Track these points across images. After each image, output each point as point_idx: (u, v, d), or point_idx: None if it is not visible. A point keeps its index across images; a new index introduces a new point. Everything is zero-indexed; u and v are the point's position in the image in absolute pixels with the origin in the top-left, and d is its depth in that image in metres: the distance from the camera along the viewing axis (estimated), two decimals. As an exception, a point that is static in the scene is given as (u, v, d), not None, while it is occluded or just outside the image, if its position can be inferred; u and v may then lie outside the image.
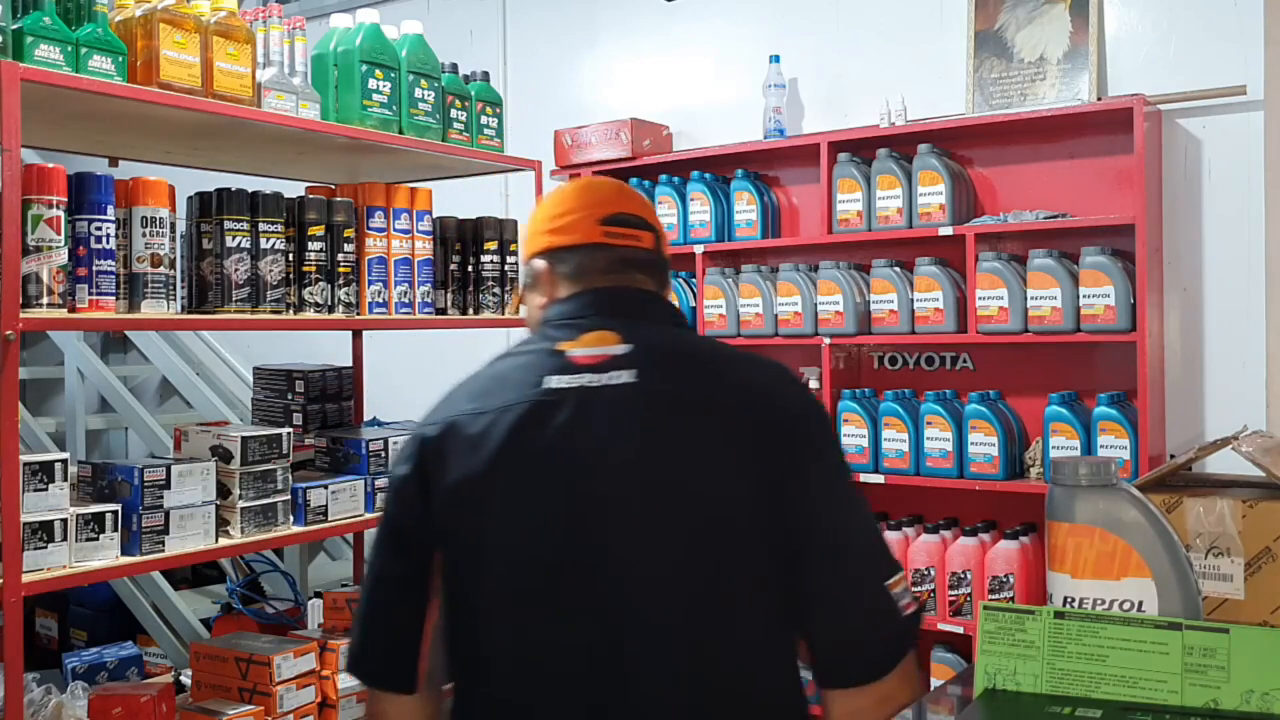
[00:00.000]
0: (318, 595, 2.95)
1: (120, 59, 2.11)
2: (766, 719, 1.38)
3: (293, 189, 2.72)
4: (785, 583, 1.34)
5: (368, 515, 2.65)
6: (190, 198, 2.41)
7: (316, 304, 2.55)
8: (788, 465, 1.35)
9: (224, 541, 2.33)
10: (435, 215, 2.91)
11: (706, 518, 1.34)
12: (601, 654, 1.32)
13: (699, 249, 3.86)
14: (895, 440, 3.43)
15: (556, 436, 1.36)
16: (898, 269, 3.47)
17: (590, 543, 1.34)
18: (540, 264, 1.52)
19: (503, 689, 1.38)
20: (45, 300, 2.01)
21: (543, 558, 1.35)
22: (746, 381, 1.42)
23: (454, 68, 2.89)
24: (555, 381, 1.39)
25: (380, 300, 2.71)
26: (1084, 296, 3.14)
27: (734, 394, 1.40)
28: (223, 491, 2.34)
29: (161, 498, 2.20)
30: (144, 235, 2.21)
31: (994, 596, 3.20)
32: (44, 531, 2.01)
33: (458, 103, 2.86)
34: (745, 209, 3.81)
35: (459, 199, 3.41)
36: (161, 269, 2.22)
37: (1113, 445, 3.10)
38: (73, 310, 2.09)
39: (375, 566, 1.46)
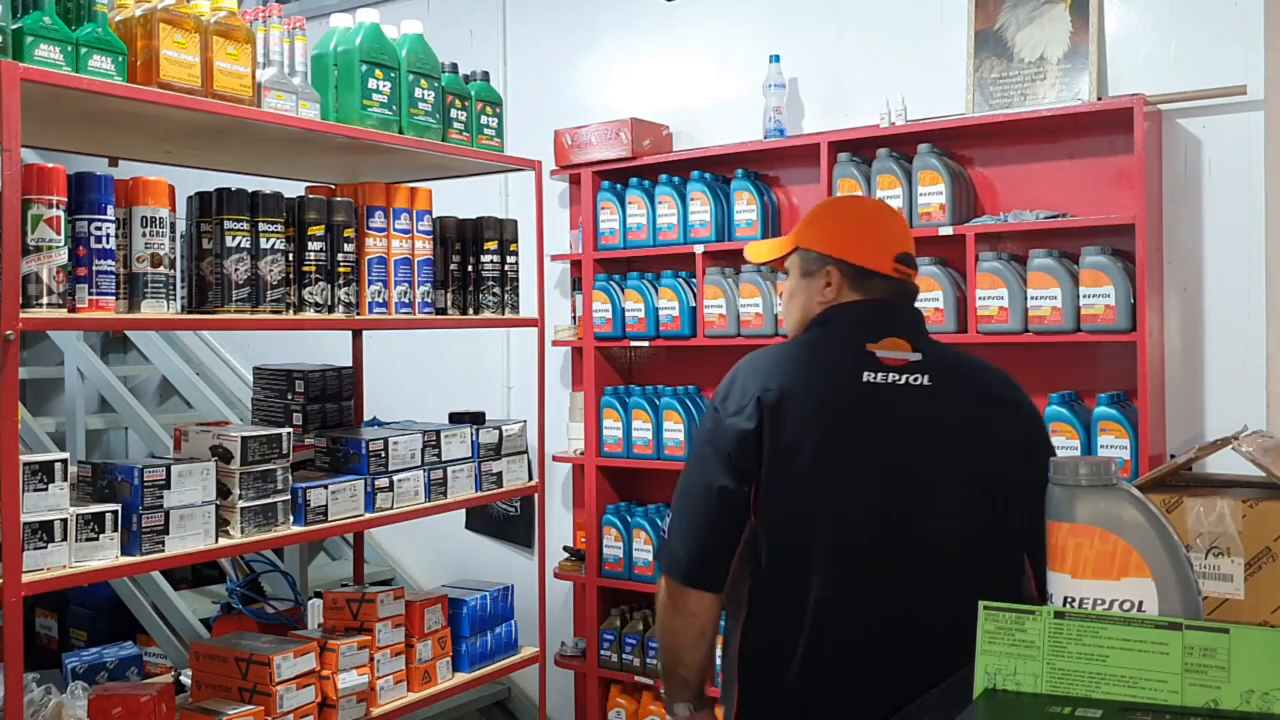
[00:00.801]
0: (318, 595, 2.95)
1: (120, 59, 2.11)
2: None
3: (293, 189, 2.72)
4: (1026, 539, 1.69)
5: (368, 515, 2.65)
6: (190, 198, 2.41)
7: (316, 304, 2.55)
8: (1027, 441, 1.83)
9: (224, 541, 2.33)
10: (435, 215, 2.91)
11: (980, 490, 1.76)
12: (897, 597, 1.70)
13: (699, 249, 3.86)
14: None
15: (873, 422, 1.75)
16: (898, 269, 3.47)
17: (897, 510, 1.73)
18: (834, 269, 1.89)
19: (810, 621, 1.71)
20: (45, 300, 2.01)
21: (859, 519, 1.73)
22: (993, 384, 1.91)
23: (454, 68, 2.89)
24: (869, 376, 1.78)
25: (380, 300, 2.71)
26: (1084, 296, 3.14)
27: (991, 395, 1.87)
28: (223, 491, 2.34)
29: (161, 498, 2.20)
30: (144, 235, 2.21)
31: (994, 596, 3.19)
32: (44, 531, 2.01)
33: (458, 103, 2.86)
34: (745, 209, 3.81)
35: (459, 199, 3.41)
36: (161, 269, 2.22)
37: (1113, 445, 3.10)
38: (73, 310, 2.10)
39: (711, 490, 1.77)
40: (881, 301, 1.87)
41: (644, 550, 3.96)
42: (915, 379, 1.78)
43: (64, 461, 2.09)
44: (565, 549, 4.18)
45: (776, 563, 1.75)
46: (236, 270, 2.36)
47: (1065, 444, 3.17)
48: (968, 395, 1.84)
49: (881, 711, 1.50)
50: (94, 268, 2.12)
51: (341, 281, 2.61)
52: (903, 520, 1.73)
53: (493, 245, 3.01)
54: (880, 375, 1.77)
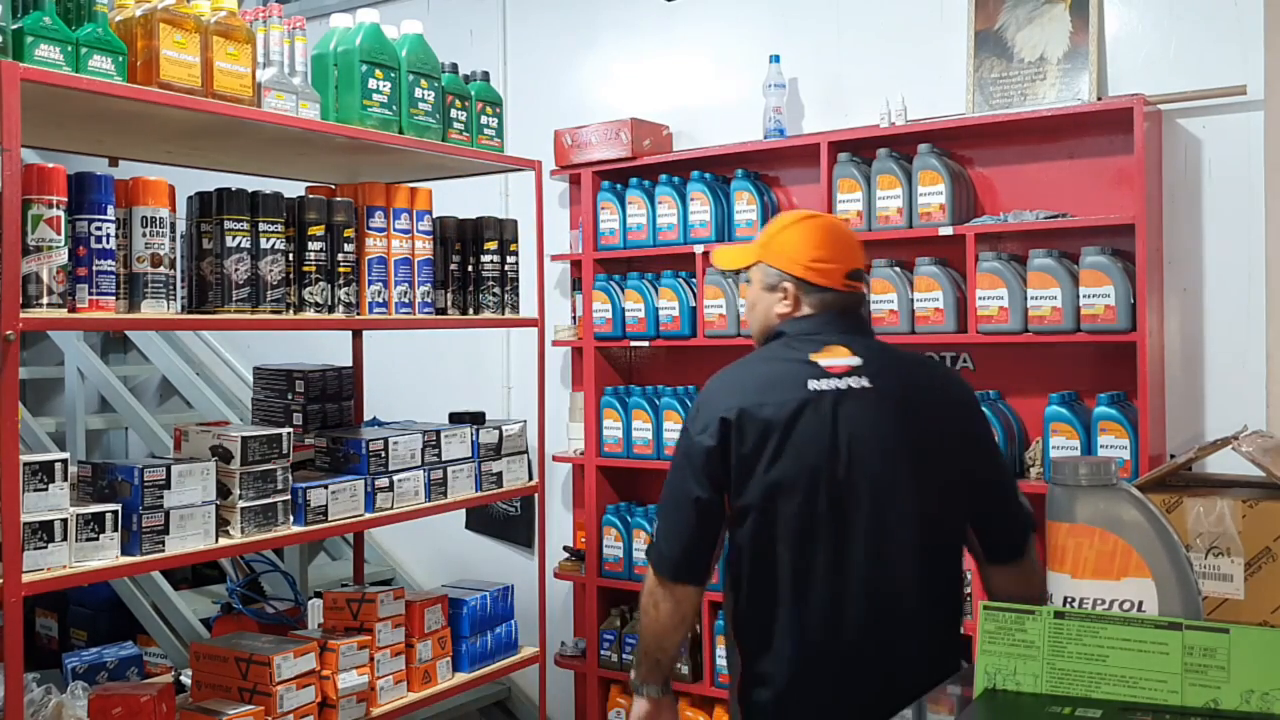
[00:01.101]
0: (318, 595, 2.95)
1: (120, 59, 2.11)
2: (957, 610, 2.12)
3: (293, 189, 2.72)
4: (967, 507, 2.07)
5: (368, 515, 2.65)
6: (190, 198, 2.41)
7: (316, 304, 2.55)
8: (964, 431, 2.11)
9: (224, 541, 2.33)
10: (435, 215, 2.91)
11: (926, 474, 2.02)
12: (853, 577, 1.99)
13: (699, 249, 3.85)
14: (895, 440, 3.43)
15: (821, 425, 2.01)
16: (898, 269, 3.47)
17: (848, 498, 2.00)
18: (790, 285, 2.15)
19: (786, 592, 2.01)
20: (45, 300, 2.01)
21: (815, 510, 1.99)
22: (935, 380, 2.18)
23: (454, 68, 2.89)
24: (814, 384, 2.04)
25: (380, 300, 2.71)
26: (1084, 296, 3.14)
27: (931, 390, 2.12)
28: (223, 491, 2.34)
29: (161, 498, 2.20)
30: (144, 235, 2.21)
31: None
32: (44, 531, 2.01)
33: (458, 103, 2.86)
34: (745, 209, 3.81)
35: (459, 199, 3.41)
36: (161, 269, 2.22)
37: (1113, 445, 3.10)
38: (73, 310, 2.10)
39: (688, 499, 2.05)
40: (829, 313, 2.15)
41: (644, 550, 3.96)
42: (856, 382, 2.06)
43: (64, 461, 2.09)
44: (565, 549, 4.18)
45: (752, 554, 2.05)
46: (236, 270, 2.36)
47: (1065, 444, 3.17)
48: (907, 392, 2.09)
49: (834, 656, 1.99)
50: (94, 268, 2.12)
51: (341, 281, 2.61)
52: (854, 508, 2.00)
53: (493, 245, 3.01)
54: (824, 382, 2.05)
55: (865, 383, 2.05)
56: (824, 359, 2.07)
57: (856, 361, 2.07)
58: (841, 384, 2.04)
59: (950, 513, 2.07)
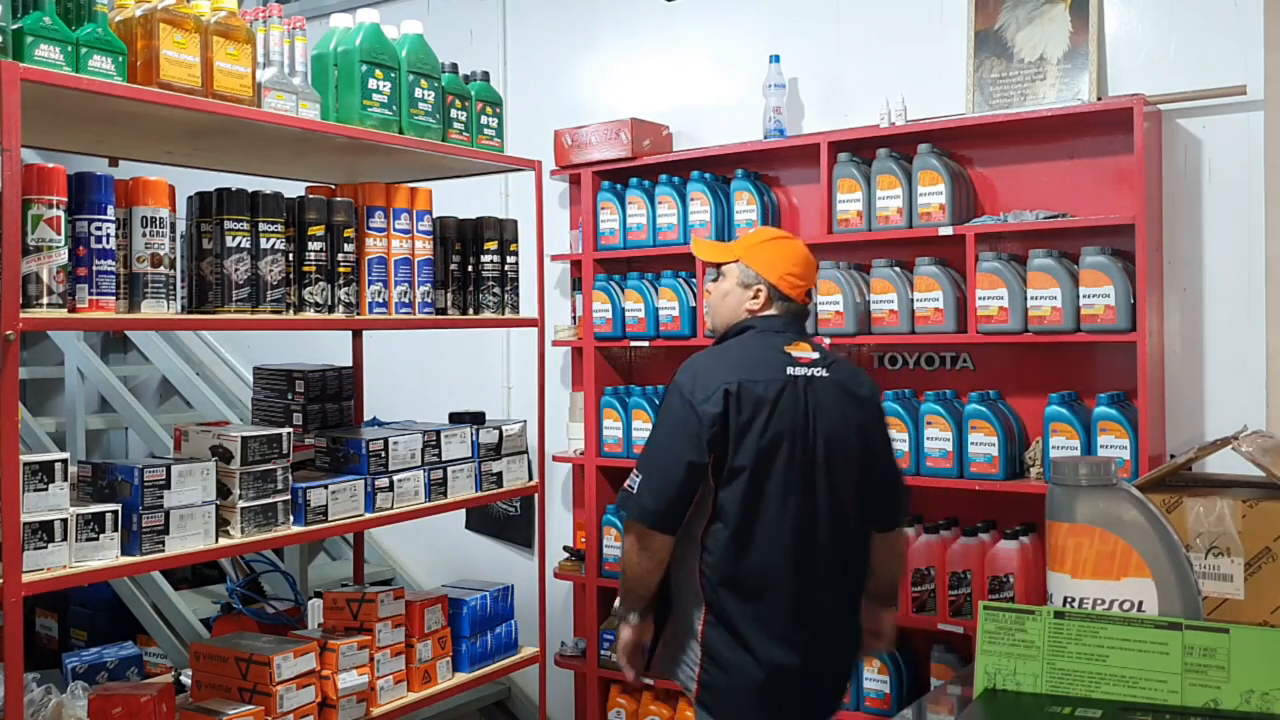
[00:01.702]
0: (318, 595, 2.95)
1: (120, 59, 2.11)
2: (869, 561, 2.65)
3: (293, 189, 2.72)
4: (873, 480, 2.60)
5: (368, 515, 2.65)
6: (190, 198, 2.41)
7: (316, 304, 2.55)
8: (878, 420, 2.67)
9: (224, 541, 2.33)
10: (435, 215, 2.91)
11: (859, 451, 2.56)
12: (810, 526, 2.49)
13: (699, 249, 3.85)
14: (895, 440, 3.42)
15: (797, 403, 2.49)
16: (898, 269, 3.47)
17: (816, 464, 2.50)
18: (764, 288, 2.62)
19: (760, 541, 2.46)
20: (45, 300, 2.01)
21: (792, 471, 2.47)
22: (856, 376, 2.67)
23: (454, 68, 2.89)
24: (790, 370, 2.52)
25: (380, 300, 2.71)
26: (1084, 296, 3.14)
27: (860, 389, 2.63)
28: (223, 491, 2.34)
29: (161, 498, 2.20)
30: (144, 235, 2.21)
31: (994, 597, 3.20)
32: (44, 531, 2.01)
33: (458, 103, 2.86)
34: (745, 209, 3.81)
35: (459, 199, 3.41)
36: (161, 269, 2.22)
37: (1113, 445, 3.10)
38: (73, 310, 2.10)
39: (681, 461, 2.42)
40: (790, 317, 2.64)
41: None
42: (818, 372, 2.56)
43: (64, 461, 2.09)
44: (565, 549, 4.18)
45: (742, 507, 2.45)
46: (236, 270, 2.36)
47: (1065, 444, 3.17)
48: (846, 384, 2.60)
49: (793, 575, 2.47)
50: (94, 268, 2.12)
51: (341, 281, 2.61)
52: (820, 470, 2.50)
53: (493, 245, 3.01)
54: (797, 369, 2.53)
55: (824, 373, 2.56)
56: (794, 351, 2.56)
57: (816, 356, 2.58)
58: (809, 371, 2.55)
59: (868, 482, 2.58)
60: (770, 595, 2.46)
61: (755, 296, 2.61)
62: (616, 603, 2.62)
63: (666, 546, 2.46)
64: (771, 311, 2.62)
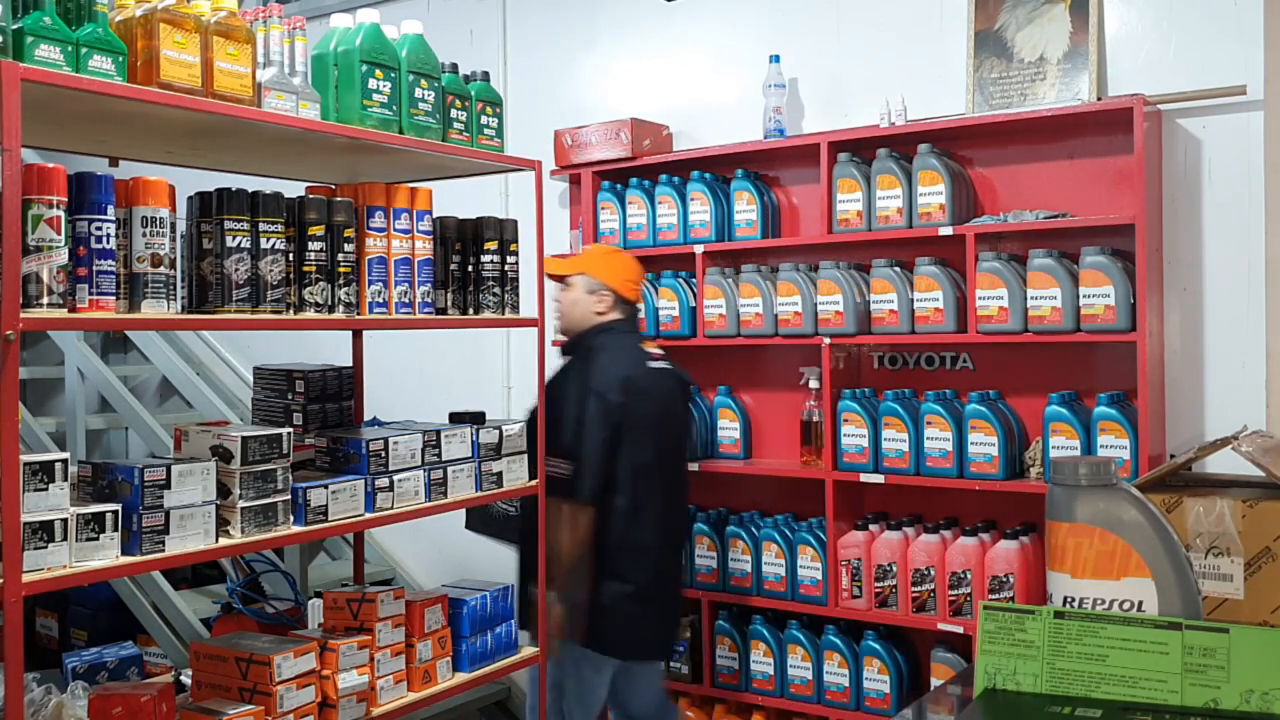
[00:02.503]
0: (318, 595, 2.95)
1: (120, 59, 2.10)
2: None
3: (293, 189, 2.72)
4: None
5: (368, 515, 2.65)
6: (190, 198, 2.41)
7: (316, 304, 2.54)
8: (688, 408, 3.52)
9: (224, 541, 2.33)
10: (435, 215, 2.90)
11: (688, 433, 3.52)
12: (679, 499, 3.34)
13: (699, 249, 3.86)
14: (895, 440, 3.43)
15: (659, 391, 3.19)
16: (898, 269, 3.48)
17: (679, 444, 3.34)
18: (609, 294, 3.24)
19: (649, 509, 3.14)
20: (45, 300, 2.01)
21: (667, 452, 3.22)
22: (681, 370, 3.39)
23: (454, 68, 2.89)
24: (651, 364, 3.20)
25: (380, 300, 2.71)
26: (1084, 296, 3.14)
27: (685, 376, 3.40)
28: (223, 491, 2.33)
29: (161, 498, 2.20)
30: (144, 235, 2.21)
31: (994, 596, 3.20)
32: (44, 531, 2.01)
33: (458, 103, 2.86)
34: (745, 209, 3.81)
35: (459, 199, 3.41)
36: (162, 269, 2.22)
37: (1113, 445, 3.10)
38: (73, 310, 2.09)
39: (604, 444, 3.07)
40: (632, 321, 3.30)
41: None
42: (665, 365, 3.24)
43: (64, 461, 2.09)
44: (565, 549, 4.18)
45: (634, 479, 3.09)
46: (236, 270, 2.35)
47: (1065, 444, 3.17)
48: (681, 378, 3.35)
49: (674, 534, 3.31)
50: (94, 268, 2.12)
51: (341, 281, 2.61)
52: (677, 449, 3.31)
53: (493, 245, 3.01)
54: (655, 364, 3.20)
55: (667, 366, 3.25)
56: (648, 348, 3.24)
57: (662, 353, 3.29)
58: (661, 365, 3.22)
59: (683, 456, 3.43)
60: (656, 551, 3.18)
61: (601, 301, 3.20)
62: (549, 590, 3.09)
63: (592, 517, 3.07)
64: (617, 315, 3.24)
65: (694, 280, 3.90)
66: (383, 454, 2.70)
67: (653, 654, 3.37)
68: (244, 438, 2.36)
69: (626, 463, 3.08)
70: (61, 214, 2.04)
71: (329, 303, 2.58)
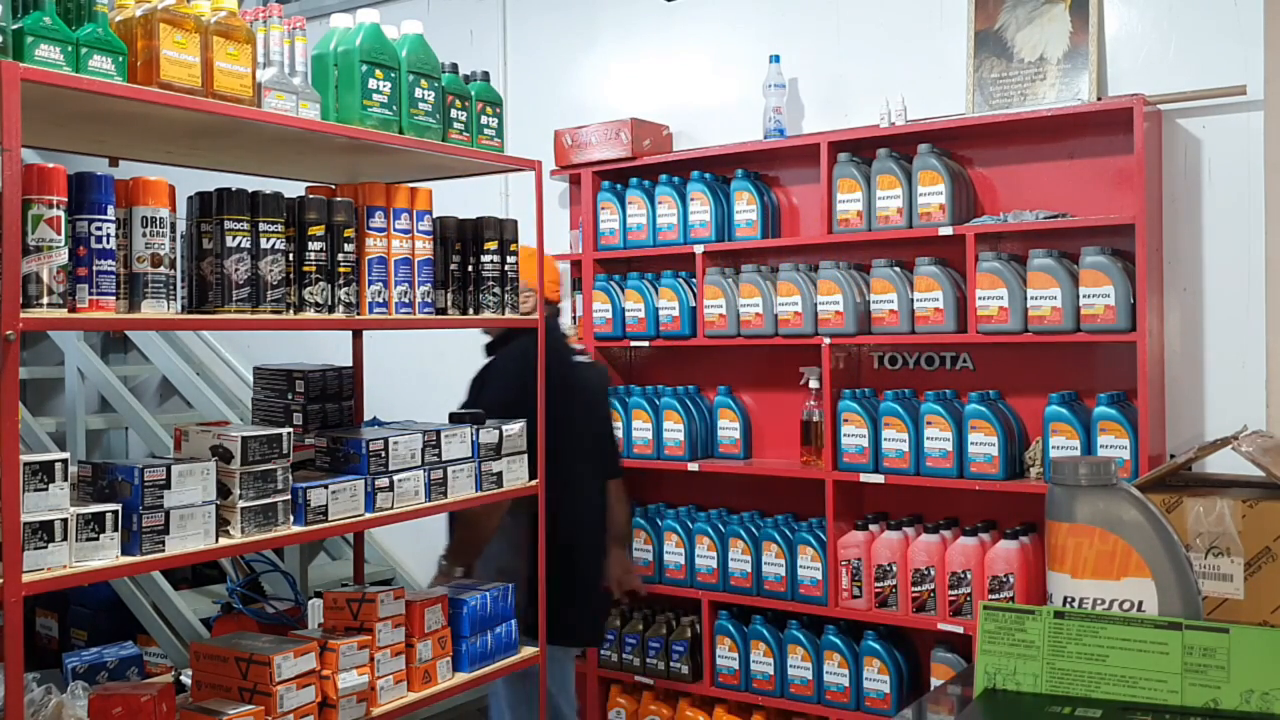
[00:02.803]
0: (318, 595, 2.95)
1: (120, 59, 2.11)
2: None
3: (293, 189, 2.72)
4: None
5: (368, 515, 2.65)
6: (190, 198, 2.41)
7: (316, 304, 2.54)
8: (605, 397, 3.69)
9: (224, 541, 2.33)
10: (435, 215, 2.90)
11: (603, 418, 3.63)
12: (600, 481, 3.51)
13: (699, 249, 3.86)
14: (895, 440, 3.43)
15: (583, 380, 3.44)
16: (898, 269, 3.48)
17: (594, 431, 3.48)
18: (532, 295, 3.25)
19: (568, 486, 3.23)
20: (45, 300, 2.01)
21: (584, 437, 3.39)
22: (597, 362, 3.89)
23: (454, 68, 2.89)
24: (574, 357, 3.49)
25: (380, 300, 2.71)
26: (1084, 296, 3.14)
27: (601, 367, 3.82)
28: (223, 491, 2.33)
29: (161, 498, 2.20)
30: (144, 235, 2.21)
31: (994, 596, 3.20)
32: (44, 531, 2.01)
33: (458, 103, 2.86)
34: (745, 209, 3.81)
35: (459, 199, 3.41)
36: (162, 269, 2.22)
37: (1113, 445, 3.10)
38: (73, 310, 2.09)
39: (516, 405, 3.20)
40: (557, 318, 3.56)
41: (643, 550, 3.96)
42: (586, 358, 3.63)
43: (64, 461, 2.09)
44: (565, 549, 4.18)
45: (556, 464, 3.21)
46: (237, 270, 2.35)
47: (1065, 444, 3.17)
48: (598, 369, 3.67)
49: (596, 531, 3.47)
50: (94, 268, 2.12)
51: (342, 281, 2.60)
52: (587, 433, 3.42)
53: (493, 245, 3.01)
54: (580, 356, 3.55)
55: (588, 359, 3.66)
56: (573, 343, 3.63)
57: (582, 346, 3.75)
58: (582, 358, 3.56)
59: (602, 440, 3.57)
60: (590, 532, 3.43)
61: (526, 300, 3.28)
62: (446, 561, 3.27)
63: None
64: (545, 312, 3.39)
65: (694, 280, 3.90)
66: (383, 454, 2.70)
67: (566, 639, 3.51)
68: (244, 438, 2.36)
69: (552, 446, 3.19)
70: (61, 214, 2.04)
71: (329, 303, 2.58)
